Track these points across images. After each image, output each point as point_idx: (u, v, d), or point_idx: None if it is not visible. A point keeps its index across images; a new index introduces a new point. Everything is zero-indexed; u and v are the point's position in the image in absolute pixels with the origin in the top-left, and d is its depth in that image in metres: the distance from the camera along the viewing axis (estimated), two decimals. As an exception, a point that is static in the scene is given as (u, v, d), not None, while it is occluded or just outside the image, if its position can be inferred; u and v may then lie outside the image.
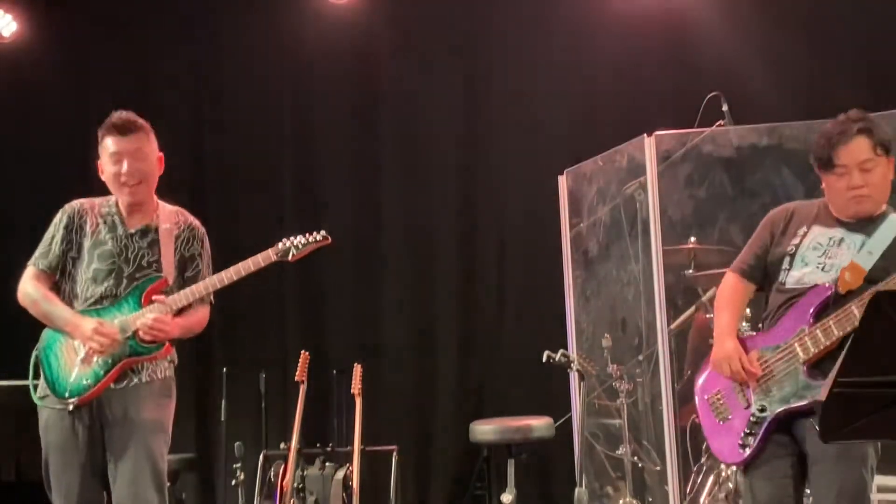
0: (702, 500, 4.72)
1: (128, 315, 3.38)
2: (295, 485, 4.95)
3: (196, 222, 3.64)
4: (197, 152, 6.63)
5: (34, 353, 3.44)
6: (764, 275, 3.23)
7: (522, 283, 6.38)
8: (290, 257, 3.53)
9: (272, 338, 6.49)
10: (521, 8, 6.50)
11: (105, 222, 3.48)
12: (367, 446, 5.31)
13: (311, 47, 6.66)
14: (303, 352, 5.17)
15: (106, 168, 3.47)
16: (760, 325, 3.37)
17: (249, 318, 6.45)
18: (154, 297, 3.40)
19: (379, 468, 6.09)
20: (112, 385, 3.36)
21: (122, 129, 3.42)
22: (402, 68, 6.62)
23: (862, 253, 3.00)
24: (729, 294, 3.26)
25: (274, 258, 3.51)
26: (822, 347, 2.92)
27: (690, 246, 5.13)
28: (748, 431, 3.01)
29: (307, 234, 3.58)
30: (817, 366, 2.95)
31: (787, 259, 3.13)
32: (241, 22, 6.70)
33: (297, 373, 5.07)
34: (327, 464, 5.37)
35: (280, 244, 3.54)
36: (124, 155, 3.42)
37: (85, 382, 3.33)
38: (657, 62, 6.29)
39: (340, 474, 5.16)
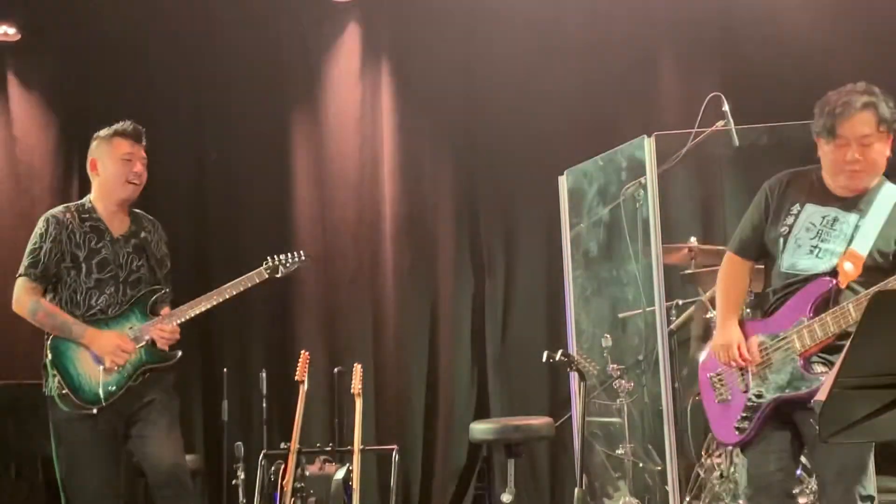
0: (702, 499, 4.72)
1: (138, 324, 3.65)
2: (295, 485, 4.94)
3: (158, 224, 3.94)
4: (198, 151, 6.62)
5: (46, 361, 3.60)
6: (761, 250, 3.21)
7: (523, 283, 6.38)
8: (278, 275, 4.00)
9: (272, 338, 6.49)
10: (522, 8, 6.50)
11: (91, 229, 3.68)
12: (367, 446, 5.31)
13: (312, 46, 6.66)
14: (303, 352, 5.17)
15: (109, 166, 3.69)
16: (751, 303, 3.38)
17: (250, 318, 6.45)
18: (164, 313, 3.71)
19: (379, 468, 6.09)
20: (130, 382, 3.63)
21: (137, 136, 3.72)
22: (402, 68, 6.62)
23: (857, 237, 2.97)
24: (728, 275, 3.24)
25: (266, 276, 3.96)
26: (817, 341, 2.93)
27: (690, 246, 5.13)
28: (744, 415, 3.05)
29: (289, 255, 4.05)
30: (812, 359, 2.98)
31: (781, 241, 3.10)
32: (242, 21, 6.70)
33: (297, 373, 5.07)
34: (327, 463, 5.37)
35: (269, 262, 3.99)
36: (136, 158, 3.71)
37: (111, 389, 3.57)
38: (658, 62, 6.29)
39: (340, 474, 5.15)
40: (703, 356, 3.26)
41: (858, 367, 1.98)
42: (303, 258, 4.06)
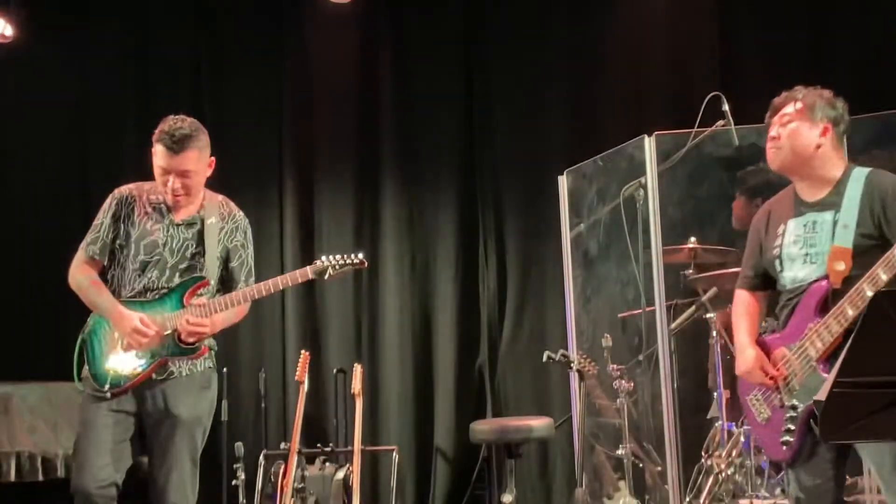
0: (702, 500, 4.72)
1: (170, 312, 3.46)
2: (295, 485, 4.94)
3: (239, 213, 3.69)
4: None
5: (80, 336, 3.51)
6: (766, 280, 3.33)
7: (523, 283, 6.38)
8: (325, 277, 3.61)
9: (272, 338, 6.49)
10: (522, 8, 6.51)
11: (153, 210, 3.53)
12: (366, 446, 5.31)
13: (312, 47, 6.66)
14: (303, 352, 5.17)
15: (155, 170, 3.50)
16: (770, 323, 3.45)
17: (250, 318, 6.45)
18: (194, 301, 3.47)
19: (379, 468, 6.10)
20: (154, 376, 3.46)
21: (175, 146, 3.39)
22: (402, 68, 6.62)
23: (838, 230, 3.07)
24: (740, 308, 3.37)
25: (311, 276, 3.60)
26: (828, 344, 3.00)
27: (690, 246, 5.13)
28: (786, 428, 3.09)
29: (344, 256, 3.65)
30: (830, 360, 3.02)
31: (777, 262, 3.22)
32: (242, 22, 6.71)
33: (297, 373, 5.07)
34: (327, 464, 5.37)
35: (318, 262, 3.62)
36: (172, 172, 3.43)
37: (123, 373, 3.43)
38: (657, 62, 6.30)
39: (340, 474, 5.16)
40: (740, 382, 3.34)
41: (858, 367, 1.98)
42: (356, 261, 3.66)
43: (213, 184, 6.60)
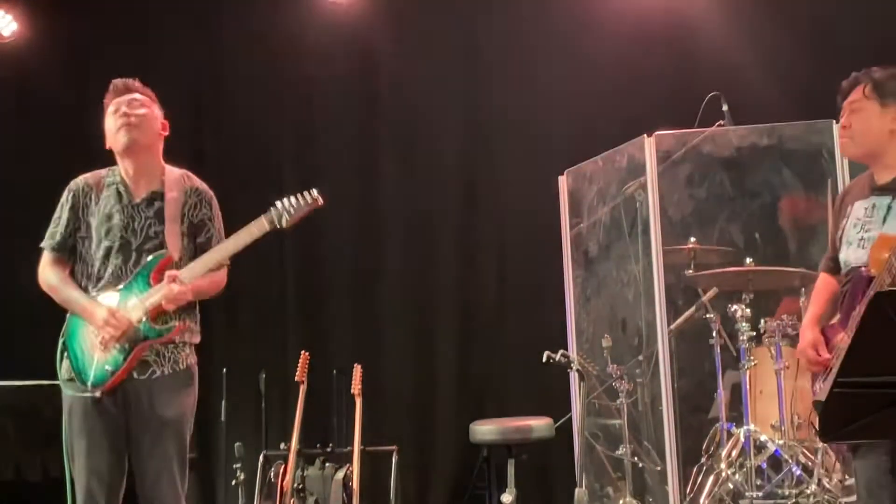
0: (702, 500, 4.72)
1: (139, 296, 3.36)
2: (295, 485, 4.95)
3: (202, 186, 3.59)
4: (197, 151, 6.62)
5: (60, 339, 3.44)
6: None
7: (522, 283, 6.38)
8: (283, 223, 3.49)
9: (272, 338, 6.49)
10: (522, 7, 6.51)
11: (111, 193, 3.44)
12: (367, 446, 5.31)
13: (311, 47, 6.66)
14: (303, 352, 5.17)
15: (108, 126, 3.46)
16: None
17: (249, 318, 6.45)
18: (168, 274, 3.34)
19: (379, 468, 6.09)
20: (136, 375, 3.38)
21: (119, 90, 3.49)
22: (402, 68, 6.62)
23: (890, 217, 2.93)
24: (815, 290, 3.26)
25: (267, 227, 3.48)
26: None
27: (690, 246, 5.14)
28: None
29: (298, 196, 3.52)
30: None
31: (838, 243, 3.10)
32: (242, 22, 6.71)
33: (297, 373, 5.07)
34: (327, 464, 5.37)
35: (272, 210, 3.49)
36: (124, 102, 3.46)
37: (107, 369, 3.33)
38: (657, 62, 6.29)
39: (340, 474, 5.16)
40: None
41: (858, 367, 1.98)
42: (311, 199, 3.52)
43: (214, 178, 6.62)
